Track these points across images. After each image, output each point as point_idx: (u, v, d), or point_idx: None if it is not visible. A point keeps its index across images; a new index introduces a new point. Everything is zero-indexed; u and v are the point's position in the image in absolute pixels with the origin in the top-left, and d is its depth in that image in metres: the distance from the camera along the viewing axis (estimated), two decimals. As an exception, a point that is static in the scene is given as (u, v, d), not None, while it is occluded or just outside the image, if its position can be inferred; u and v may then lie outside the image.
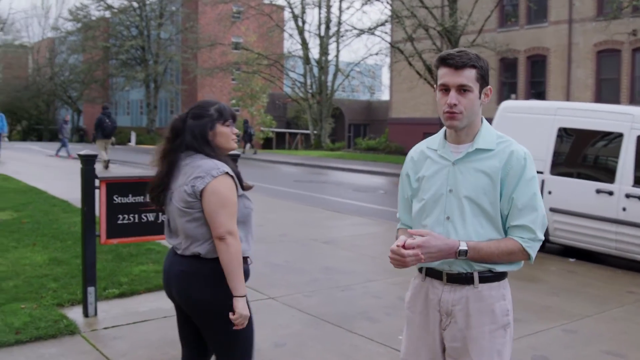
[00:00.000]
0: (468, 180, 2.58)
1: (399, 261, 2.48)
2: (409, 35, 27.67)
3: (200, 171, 3.00)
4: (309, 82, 42.86)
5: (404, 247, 2.47)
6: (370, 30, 31.61)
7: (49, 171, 19.38)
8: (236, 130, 3.23)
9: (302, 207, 12.66)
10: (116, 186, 5.68)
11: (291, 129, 58.62)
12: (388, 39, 34.82)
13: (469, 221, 2.57)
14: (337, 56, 41.73)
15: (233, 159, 3.54)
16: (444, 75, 2.55)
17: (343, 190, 17.56)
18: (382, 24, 31.16)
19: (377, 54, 38.25)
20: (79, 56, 63.46)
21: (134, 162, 25.74)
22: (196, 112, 3.13)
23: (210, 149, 3.10)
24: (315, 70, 42.06)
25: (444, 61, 2.56)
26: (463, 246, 2.50)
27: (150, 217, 5.84)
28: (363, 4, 31.20)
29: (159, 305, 5.96)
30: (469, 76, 2.53)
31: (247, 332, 3.14)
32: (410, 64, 28.47)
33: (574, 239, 8.58)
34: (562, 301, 6.62)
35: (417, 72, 28.42)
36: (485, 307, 2.59)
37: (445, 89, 2.56)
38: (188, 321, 3.25)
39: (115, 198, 5.66)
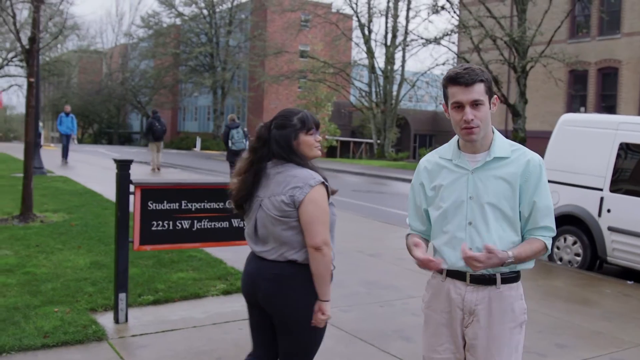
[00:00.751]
0: (488, 187, 2.77)
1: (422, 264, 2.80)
2: (475, 46, 27.12)
3: (297, 181, 3.10)
4: (373, 91, 42.58)
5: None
6: (437, 40, 31.12)
7: (110, 174, 19.72)
8: (319, 138, 3.27)
9: (353, 218, 12.45)
10: (151, 192, 5.62)
11: (356, 137, 58.46)
12: (454, 48, 34.31)
13: (492, 226, 2.76)
14: (402, 66, 41.32)
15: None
16: (456, 93, 2.73)
17: (399, 201, 17.26)
18: (449, 34, 30.61)
19: (444, 64, 37.64)
20: (149, 62, 65.03)
21: (196, 167, 26.09)
22: (279, 122, 3.20)
23: (299, 158, 3.18)
24: (381, 79, 41.74)
25: (453, 80, 2.73)
26: (511, 257, 2.69)
27: (185, 224, 5.76)
28: (430, 14, 30.76)
29: (191, 314, 5.88)
30: (479, 91, 2.71)
31: (319, 339, 3.28)
32: (476, 74, 27.83)
33: (634, 260, 8.08)
34: (614, 327, 6.20)
35: (483, 83, 27.73)
36: (506, 306, 2.79)
37: (459, 105, 2.73)
38: (266, 324, 3.32)
39: (150, 204, 5.60)
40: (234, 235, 5.95)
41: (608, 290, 7.70)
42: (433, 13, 30.09)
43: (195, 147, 49.63)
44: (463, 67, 2.75)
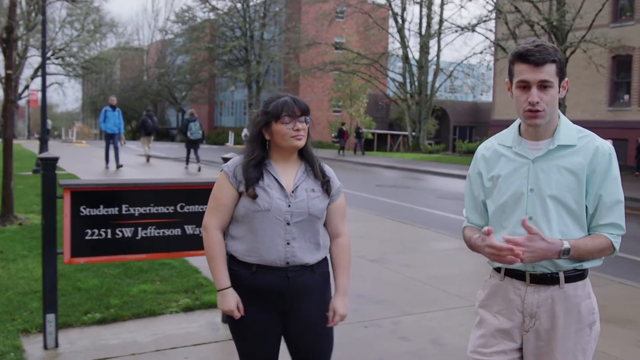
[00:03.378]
0: (551, 179, 2.51)
1: (496, 255, 2.42)
2: (511, 31, 25.77)
3: None
4: (408, 82, 41.34)
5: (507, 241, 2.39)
6: (471, 27, 29.78)
7: (127, 172, 19.14)
8: (300, 127, 2.89)
9: (365, 216, 11.46)
10: (83, 195, 4.76)
11: (394, 130, 57.30)
12: (491, 36, 32.87)
13: (553, 221, 2.50)
14: (438, 55, 39.99)
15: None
16: (523, 71, 2.46)
17: (425, 197, 16.20)
18: (484, 20, 29.23)
19: (481, 52, 36.22)
20: (185, 57, 64.86)
21: (213, 161, 25.37)
22: (258, 112, 3.02)
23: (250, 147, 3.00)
24: (415, 69, 40.46)
25: (523, 57, 2.46)
26: (566, 245, 2.42)
27: (127, 232, 4.89)
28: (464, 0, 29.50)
29: (136, 338, 5.00)
30: (550, 72, 2.45)
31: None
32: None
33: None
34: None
35: (520, 71, 26.30)
36: (572, 307, 2.53)
37: (525, 85, 2.48)
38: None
39: (82, 209, 4.76)
40: (188, 244, 5.08)
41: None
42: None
43: (227, 142, 49.12)
44: (535, 44, 2.46)
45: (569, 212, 2.50)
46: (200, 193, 5.08)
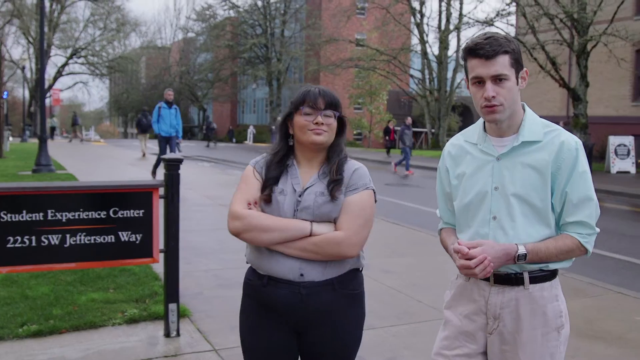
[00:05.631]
0: (515, 177, 2.42)
1: (467, 269, 2.35)
2: (530, 25, 24.99)
3: None
4: (427, 78, 40.66)
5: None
6: (490, 21, 29.04)
7: (128, 172, 18.89)
8: (320, 120, 2.59)
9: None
10: (3, 200, 4.38)
11: (417, 127, 56.66)
12: (509, 30, 32.13)
13: (518, 221, 2.41)
14: (457, 50, 39.26)
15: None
16: (475, 66, 2.39)
17: (434, 196, 15.66)
18: (501, 14, 28.49)
19: (502, 47, 35.30)
20: (207, 55, 64.84)
21: (239, 162, 25.10)
22: None
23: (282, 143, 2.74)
24: (434, 65, 39.76)
25: (473, 52, 2.39)
26: (522, 250, 2.35)
27: (54, 239, 4.50)
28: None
29: (65, 353, 4.60)
30: (503, 63, 2.36)
31: None
32: (532, 55, 25.70)
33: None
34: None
35: (540, 65, 25.58)
36: (537, 309, 2.43)
37: (479, 81, 2.40)
38: None
39: (2, 215, 4.37)
40: (123, 253, 4.68)
41: None
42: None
43: (247, 140, 48.93)
44: (485, 36, 2.38)
45: (535, 211, 2.41)
46: (135, 197, 4.69)
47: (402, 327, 5.34)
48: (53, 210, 4.48)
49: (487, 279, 2.47)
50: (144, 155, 25.44)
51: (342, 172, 2.62)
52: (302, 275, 2.54)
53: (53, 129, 46.31)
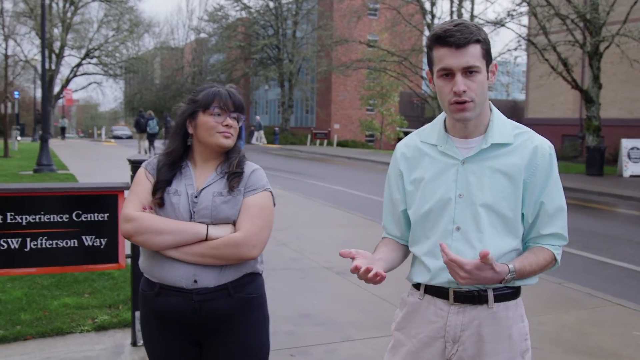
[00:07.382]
0: (484, 183, 2.16)
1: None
2: (541, 25, 24.62)
3: None
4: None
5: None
6: (500, 22, 28.62)
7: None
8: (230, 123, 2.51)
9: (357, 221, 10.74)
10: (-41, 201, 4.19)
11: (429, 129, 56.37)
12: (522, 31, 31.70)
13: (486, 232, 2.14)
14: (469, 52, 38.84)
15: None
16: (444, 56, 2.11)
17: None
18: (511, 15, 28.05)
19: (515, 49, 35.04)
20: (219, 56, 64.86)
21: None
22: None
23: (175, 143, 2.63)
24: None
25: (441, 40, 2.10)
26: (512, 273, 2.08)
27: (14, 243, 4.32)
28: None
29: (24, 363, 4.41)
30: (475, 54, 2.10)
31: None
32: (543, 56, 25.33)
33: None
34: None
35: (551, 67, 25.20)
36: (502, 331, 2.17)
37: (447, 73, 2.12)
38: None
39: (-42, 217, 4.19)
40: (86, 258, 4.48)
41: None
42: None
43: (257, 140, 48.84)
44: (454, 23, 2.12)
45: (504, 222, 2.17)
46: (99, 199, 4.48)
47: (381, 339, 5.03)
48: (12, 213, 4.30)
49: (446, 297, 2.22)
50: (145, 153, 26.24)
51: (242, 167, 2.53)
52: (195, 281, 2.41)
53: (63, 129, 46.61)
